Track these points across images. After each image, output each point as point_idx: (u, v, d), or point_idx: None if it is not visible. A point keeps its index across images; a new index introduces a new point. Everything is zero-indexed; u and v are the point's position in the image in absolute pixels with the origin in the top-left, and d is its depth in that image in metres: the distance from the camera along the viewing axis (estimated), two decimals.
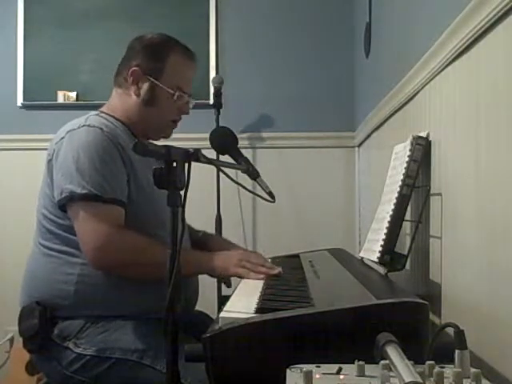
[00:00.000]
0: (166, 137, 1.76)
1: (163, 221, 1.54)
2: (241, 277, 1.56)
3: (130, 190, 1.55)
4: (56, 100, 3.17)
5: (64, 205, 1.51)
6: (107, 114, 1.66)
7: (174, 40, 1.72)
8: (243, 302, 1.15)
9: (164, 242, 1.48)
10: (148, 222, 1.54)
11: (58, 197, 1.51)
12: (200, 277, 1.74)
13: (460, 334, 0.82)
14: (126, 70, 1.68)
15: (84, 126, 1.55)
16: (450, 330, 0.84)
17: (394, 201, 1.45)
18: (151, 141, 1.74)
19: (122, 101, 1.69)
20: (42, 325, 1.49)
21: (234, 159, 1.73)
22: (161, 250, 1.47)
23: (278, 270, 1.53)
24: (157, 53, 1.67)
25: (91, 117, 1.61)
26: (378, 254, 1.44)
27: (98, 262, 1.48)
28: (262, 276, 1.50)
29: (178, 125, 1.76)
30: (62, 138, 1.57)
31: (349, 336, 0.95)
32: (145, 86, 1.66)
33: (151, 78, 1.66)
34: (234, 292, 1.34)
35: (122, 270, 1.51)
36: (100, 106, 1.74)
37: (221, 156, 2.16)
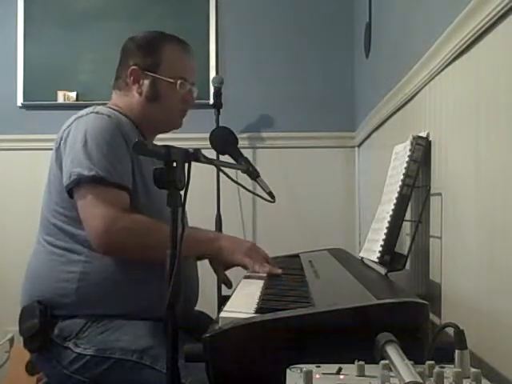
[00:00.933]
0: (177, 127, 1.76)
1: (165, 219, 1.55)
2: (244, 266, 1.58)
3: (136, 182, 1.56)
4: (56, 100, 3.17)
5: (72, 189, 1.51)
6: (113, 108, 1.67)
7: (165, 33, 1.74)
8: (243, 302, 1.15)
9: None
10: (149, 215, 1.54)
11: (66, 181, 1.51)
12: (200, 277, 1.74)
13: (460, 333, 0.82)
14: (125, 72, 1.69)
15: (92, 112, 1.58)
16: (450, 330, 0.84)
17: (394, 201, 1.45)
18: (167, 134, 1.75)
19: (124, 101, 1.70)
20: (42, 324, 1.49)
21: (234, 159, 1.73)
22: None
23: (279, 270, 1.54)
24: (151, 47, 1.69)
25: (99, 106, 1.63)
26: (378, 254, 1.44)
27: (105, 246, 1.48)
28: (265, 269, 1.52)
29: (186, 114, 1.76)
30: (70, 124, 1.58)
31: (349, 336, 0.95)
32: (146, 83, 1.68)
33: (150, 73, 1.67)
34: (233, 292, 1.34)
35: (129, 254, 1.51)
36: (100, 105, 1.73)
37: (221, 156, 2.16)
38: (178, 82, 1.68)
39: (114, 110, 1.66)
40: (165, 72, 1.68)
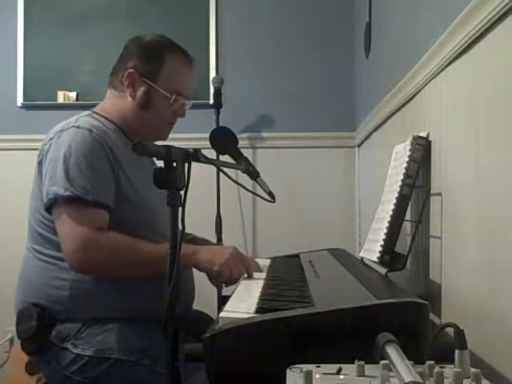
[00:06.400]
0: (163, 139, 1.72)
1: (155, 223, 1.55)
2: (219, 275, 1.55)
3: (124, 191, 1.54)
4: (56, 100, 3.17)
5: (50, 207, 1.50)
6: (100, 114, 1.65)
7: (171, 42, 1.69)
8: (243, 302, 1.15)
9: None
10: (139, 224, 1.54)
11: (45, 199, 1.50)
12: (200, 277, 1.74)
13: (460, 334, 0.82)
14: (122, 72, 1.65)
15: (73, 126, 1.54)
16: (450, 330, 0.84)
17: (394, 201, 1.45)
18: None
19: (116, 103, 1.67)
20: (39, 326, 1.49)
21: (234, 159, 1.73)
22: (144, 249, 1.48)
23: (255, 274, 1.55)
24: (154, 55, 1.65)
25: (82, 118, 1.59)
26: (378, 254, 1.44)
27: (76, 264, 1.47)
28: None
29: (173, 127, 1.74)
30: (51, 138, 1.56)
31: (349, 336, 0.95)
32: (141, 89, 1.64)
33: (147, 81, 1.63)
34: (234, 292, 1.34)
35: (102, 272, 1.50)
36: None
37: (221, 156, 2.16)
38: (173, 97, 1.65)
39: (99, 115, 1.63)
40: (162, 84, 1.64)
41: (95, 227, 1.48)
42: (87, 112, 1.65)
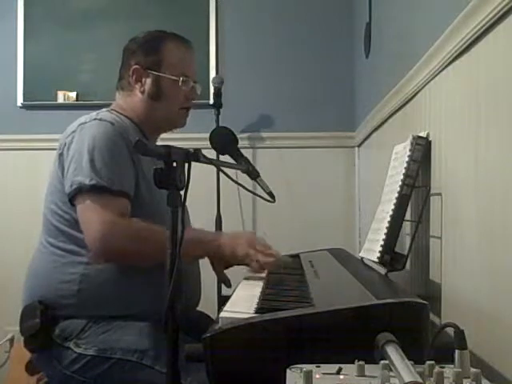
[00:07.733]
0: (181, 126, 1.77)
1: (162, 220, 1.55)
2: (246, 262, 1.55)
3: (140, 187, 1.56)
4: (56, 100, 3.17)
5: (73, 197, 1.52)
6: (117, 111, 1.68)
7: (166, 32, 1.75)
8: (243, 302, 1.16)
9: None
10: (153, 220, 1.54)
11: (68, 189, 1.52)
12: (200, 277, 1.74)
13: (460, 333, 0.82)
14: (127, 72, 1.70)
15: (95, 119, 1.58)
16: (450, 330, 0.84)
17: (394, 201, 1.45)
18: (166, 134, 1.77)
19: (127, 101, 1.71)
20: (43, 324, 1.49)
21: (234, 159, 1.73)
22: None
23: (279, 256, 1.56)
24: (152, 46, 1.70)
25: (103, 112, 1.63)
26: (378, 254, 1.44)
27: (102, 251, 1.48)
28: (271, 259, 1.52)
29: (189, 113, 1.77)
30: (74, 131, 1.58)
31: (349, 336, 0.95)
32: (148, 81, 1.68)
33: (152, 71, 1.68)
34: (234, 292, 1.34)
35: (126, 259, 1.51)
36: (100, 106, 1.74)
37: (221, 156, 2.16)
38: (181, 79, 1.69)
39: (117, 112, 1.66)
40: (167, 70, 1.69)
41: (120, 214, 1.50)
42: (106, 109, 1.68)
